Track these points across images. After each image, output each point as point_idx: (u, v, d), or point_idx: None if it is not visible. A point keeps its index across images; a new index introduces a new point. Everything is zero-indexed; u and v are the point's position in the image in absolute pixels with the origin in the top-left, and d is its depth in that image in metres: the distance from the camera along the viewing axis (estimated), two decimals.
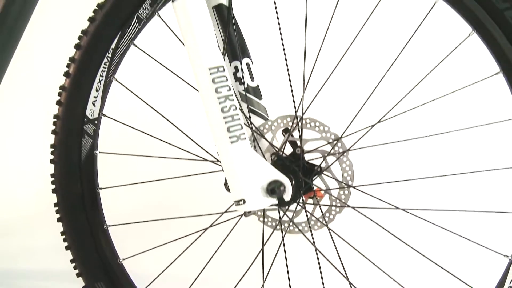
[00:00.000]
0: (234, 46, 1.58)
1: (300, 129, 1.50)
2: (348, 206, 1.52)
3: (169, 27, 1.50)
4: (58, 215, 1.66)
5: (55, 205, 1.65)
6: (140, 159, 2.38)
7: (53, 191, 1.66)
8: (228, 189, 1.44)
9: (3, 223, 3.10)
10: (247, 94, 1.56)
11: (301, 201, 1.52)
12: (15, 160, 3.37)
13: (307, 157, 1.52)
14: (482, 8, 1.29)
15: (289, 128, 1.52)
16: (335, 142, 1.48)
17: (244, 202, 1.39)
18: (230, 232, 1.60)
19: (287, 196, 1.45)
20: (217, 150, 1.39)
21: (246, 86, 1.56)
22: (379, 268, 1.52)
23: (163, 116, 1.60)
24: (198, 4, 1.35)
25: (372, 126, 1.45)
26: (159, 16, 1.55)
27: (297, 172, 1.49)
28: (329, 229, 1.53)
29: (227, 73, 1.37)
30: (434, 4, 1.35)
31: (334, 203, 1.52)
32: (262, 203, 1.41)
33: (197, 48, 1.35)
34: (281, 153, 1.53)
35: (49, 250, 2.33)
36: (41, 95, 2.82)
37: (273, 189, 1.41)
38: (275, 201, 1.43)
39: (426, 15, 1.38)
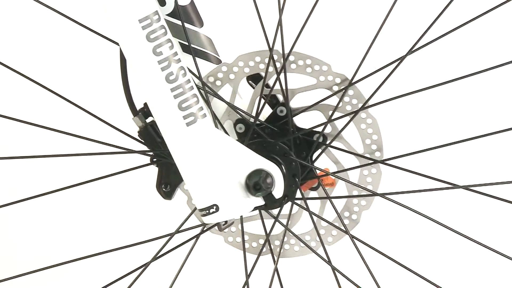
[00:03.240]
0: None
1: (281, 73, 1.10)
2: (376, 194, 1.15)
3: None
4: None
5: None
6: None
7: None
8: (163, 194, 1.16)
9: None
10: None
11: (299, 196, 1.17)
12: None
13: (298, 121, 1.14)
14: None
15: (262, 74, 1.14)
16: (343, 89, 1.12)
17: (217, 209, 1.08)
18: (186, 260, 1.25)
19: (277, 192, 1.13)
20: (165, 139, 1.09)
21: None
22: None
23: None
24: None
25: (401, 59, 1.10)
26: None
27: (287, 151, 1.15)
28: (351, 237, 1.18)
29: (163, 21, 1.04)
30: None
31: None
32: (244, 207, 1.08)
33: None
34: (254, 121, 1.15)
35: None
36: None
37: (257, 183, 1.09)
38: (261, 201, 1.12)
39: None
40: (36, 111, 2.13)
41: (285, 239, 1.24)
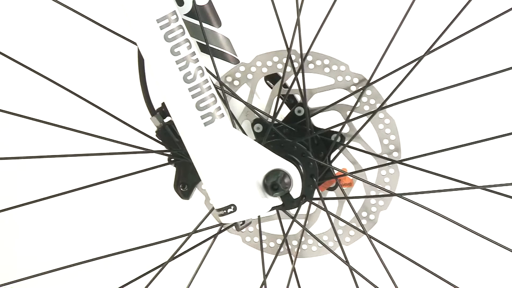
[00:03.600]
0: None
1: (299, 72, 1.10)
2: (393, 194, 1.15)
3: None
4: None
5: None
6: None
7: None
8: (181, 194, 1.17)
9: None
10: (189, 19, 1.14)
11: (317, 196, 1.17)
12: None
13: (316, 122, 1.14)
14: None
15: (280, 73, 1.14)
16: (361, 90, 1.12)
17: (235, 209, 1.08)
18: (203, 260, 1.24)
19: (295, 192, 1.13)
20: (183, 139, 1.09)
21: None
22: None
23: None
24: None
25: (419, 59, 1.09)
26: None
27: (305, 151, 1.15)
28: (369, 237, 1.17)
29: (181, 20, 1.05)
30: None
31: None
32: (262, 207, 1.09)
33: None
34: (272, 121, 1.15)
35: None
36: None
37: (274, 183, 1.09)
38: (278, 201, 1.12)
39: None
40: (53, 111, 2.14)
41: (303, 239, 1.24)
